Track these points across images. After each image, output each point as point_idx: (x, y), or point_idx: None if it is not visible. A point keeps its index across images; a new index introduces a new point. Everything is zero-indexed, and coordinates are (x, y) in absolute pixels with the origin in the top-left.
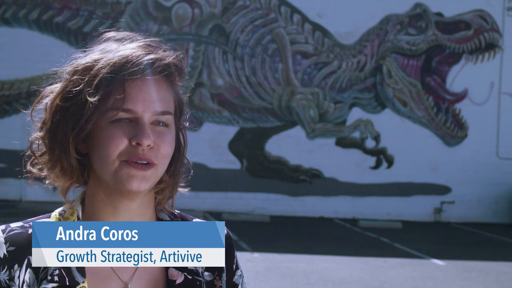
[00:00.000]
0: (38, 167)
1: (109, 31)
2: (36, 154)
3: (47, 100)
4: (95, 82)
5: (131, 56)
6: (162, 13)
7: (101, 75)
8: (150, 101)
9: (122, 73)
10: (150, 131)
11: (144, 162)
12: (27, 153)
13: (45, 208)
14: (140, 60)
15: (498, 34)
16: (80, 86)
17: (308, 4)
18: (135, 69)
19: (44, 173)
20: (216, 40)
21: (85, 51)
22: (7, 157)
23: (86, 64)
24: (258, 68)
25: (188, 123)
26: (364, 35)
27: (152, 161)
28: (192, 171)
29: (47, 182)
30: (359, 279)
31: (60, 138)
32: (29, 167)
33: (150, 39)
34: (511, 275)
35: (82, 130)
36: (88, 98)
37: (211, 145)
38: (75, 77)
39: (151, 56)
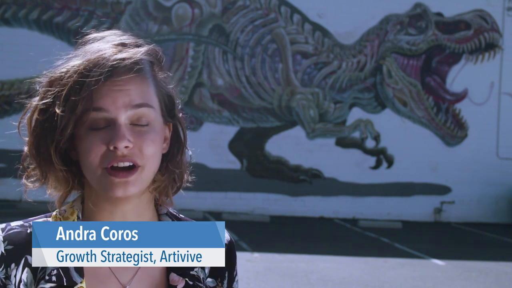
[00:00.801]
0: (33, 179)
1: (90, 33)
2: (29, 169)
3: (28, 115)
4: (64, 92)
5: (97, 60)
6: (162, 13)
7: (69, 84)
8: (121, 98)
9: (89, 78)
10: (127, 132)
11: (126, 164)
12: (20, 167)
13: (45, 208)
14: (106, 62)
15: (498, 34)
16: (52, 98)
17: (308, 4)
18: (101, 72)
19: (38, 185)
20: (216, 40)
21: (64, 58)
22: (7, 157)
23: (59, 75)
24: (258, 68)
25: (181, 114)
26: (364, 35)
27: (136, 162)
28: (191, 169)
29: (47, 193)
30: (359, 279)
31: (43, 151)
32: (24, 181)
33: (127, 35)
34: (511, 275)
35: (60, 141)
36: (56, 110)
37: (211, 145)
38: (48, 89)
39: (119, 55)
